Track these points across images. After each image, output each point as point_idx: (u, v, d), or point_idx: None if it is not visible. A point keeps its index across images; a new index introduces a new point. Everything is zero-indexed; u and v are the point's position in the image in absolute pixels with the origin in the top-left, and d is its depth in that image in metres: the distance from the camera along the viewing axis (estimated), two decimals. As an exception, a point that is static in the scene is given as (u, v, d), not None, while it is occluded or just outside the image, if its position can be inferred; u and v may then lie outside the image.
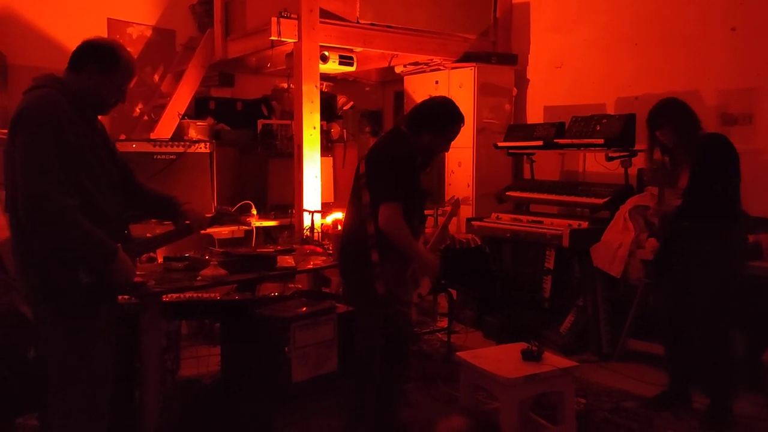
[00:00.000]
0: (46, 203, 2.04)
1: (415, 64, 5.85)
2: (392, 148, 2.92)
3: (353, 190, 2.99)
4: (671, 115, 3.29)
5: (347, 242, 3.00)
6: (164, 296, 3.10)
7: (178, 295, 3.35)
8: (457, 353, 3.04)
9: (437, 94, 5.58)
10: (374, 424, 2.99)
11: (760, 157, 4.23)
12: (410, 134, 2.90)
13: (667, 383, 3.53)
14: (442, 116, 2.91)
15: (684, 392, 3.48)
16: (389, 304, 2.82)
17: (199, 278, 3.10)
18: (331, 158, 5.54)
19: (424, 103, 3.04)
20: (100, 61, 2.23)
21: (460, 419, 1.25)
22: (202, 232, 2.82)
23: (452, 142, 3.01)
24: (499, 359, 2.88)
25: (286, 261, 3.52)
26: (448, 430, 1.23)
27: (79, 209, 2.10)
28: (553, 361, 2.88)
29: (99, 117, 2.38)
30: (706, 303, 3.25)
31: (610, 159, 4.51)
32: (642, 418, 3.33)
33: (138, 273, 2.61)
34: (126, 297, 2.94)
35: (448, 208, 3.35)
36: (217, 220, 2.93)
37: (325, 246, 4.03)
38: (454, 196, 3.46)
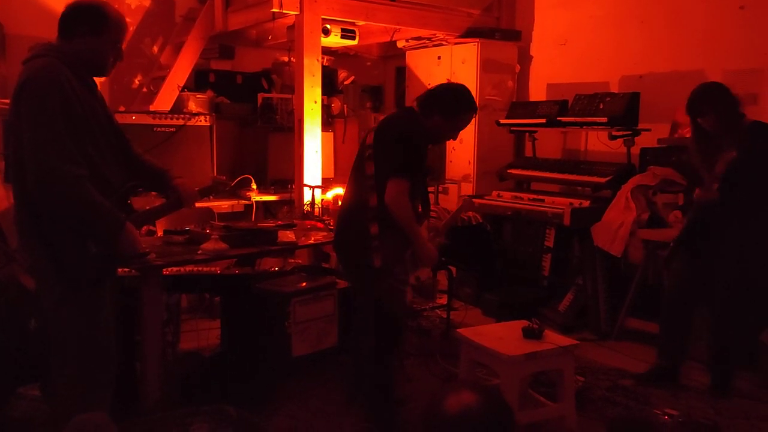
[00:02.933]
0: (57, 174, 2.03)
1: (418, 38, 5.78)
2: (406, 124, 2.89)
3: (357, 161, 2.96)
4: (715, 102, 3.23)
5: (348, 214, 2.97)
6: (165, 269, 3.09)
7: (178, 268, 3.34)
8: (458, 330, 3.04)
9: (440, 70, 5.59)
10: (372, 397, 3.01)
11: (764, 138, 4.20)
12: (422, 115, 2.88)
13: (658, 359, 3.58)
14: (455, 101, 2.89)
15: (674, 368, 3.53)
16: (384, 278, 2.79)
17: (199, 252, 3.09)
18: (332, 133, 5.50)
19: (440, 85, 3.03)
20: (90, 23, 2.21)
21: (469, 394, 1.25)
22: (197, 204, 2.79)
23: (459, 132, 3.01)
24: (500, 336, 2.89)
25: (287, 236, 3.52)
26: (458, 405, 1.22)
27: (88, 179, 2.08)
28: (554, 339, 2.89)
29: (98, 84, 2.36)
30: (736, 285, 3.30)
31: (613, 138, 4.49)
32: (639, 396, 3.36)
33: (140, 245, 2.60)
34: (126, 269, 2.93)
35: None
36: (212, 189, 2.90)
37: (326, 221, 4.02)
38: (467, 197, 3.48)
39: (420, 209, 2.95)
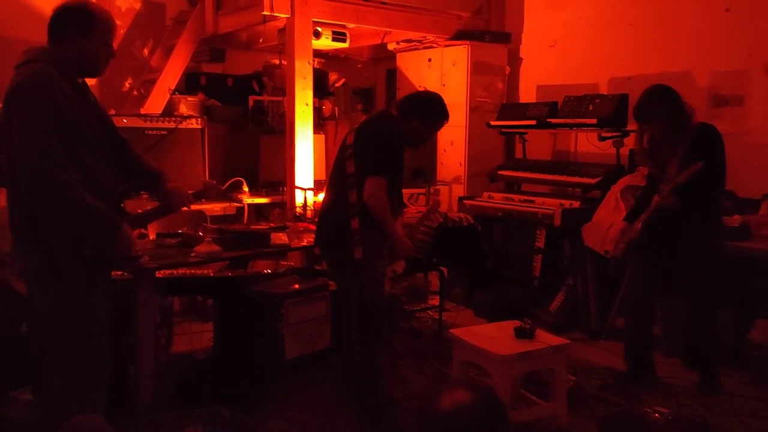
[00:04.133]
0: (48, 181, 2.03)
1: (408, 41, 5.81)
2: (386, 126, 3.02)
3: (337, 160, 3.08)
4: (658, 110, 3.28)
5: (328, 212, 3.09)
6: (158, 272, 3.10)
7: (171, 271, 3.34)
8: (451, 330, 3.07)
9: (430, 72, 5.62)
10: (364, 397, 3.03)
11: (750, 138, 4.26)
12: (400, 118, 3.02)
13: (633, 359, 3.61)
14: (433, 110, 3.08)
15: (650, 365, 3.59)
16: (365, 270, 2.90)
17: (193, 254, 3.10)
18: (323, 135, 5.51)
19: (418, 93, 3.29)
20: (78, 24, 2.21)
21: (463, 392, 1.27)
22: (190, 208, 2.80)
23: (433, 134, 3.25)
24: (493, 336, 2.91)
25: (280, 238, 3.54)
26: (452, 403, 1.24)
27: (81, 184, 2.08)
28: (546, 338, 2.92)
29: (92, 88, 2.36)
30: (693, 283, 3.39)
31: (602, 139, 4.53)
32: (630, 395, 3.39)
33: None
34: (119, 273, 2.93)
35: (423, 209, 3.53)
36: (203, 193, 2.92)
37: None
38: (437, 200, 3.65)
39: (396, 205, 3.04)
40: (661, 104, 3.29)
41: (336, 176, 3.04)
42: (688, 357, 3.62)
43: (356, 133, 3.01)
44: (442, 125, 3.16)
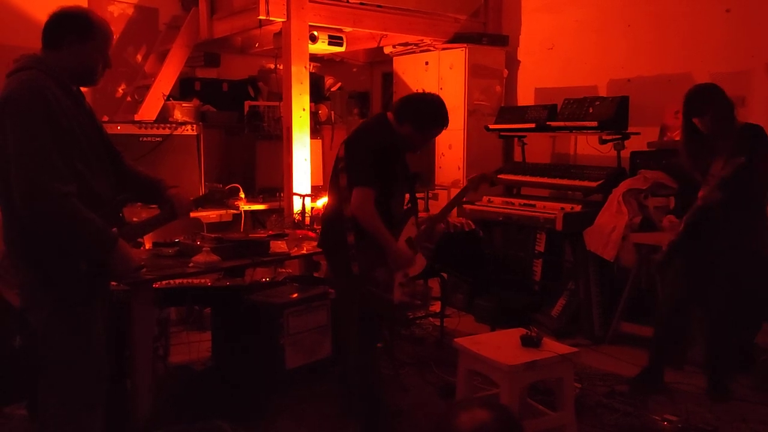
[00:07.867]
0: (44, 192, 1.96)
1: (405, 44, 5.76)
2: (372, 134, 2.92)
3: (333, 172, 3.00)
4: (714, 103, 3.19)
5: (327, 224, 3.03)
6: (155, 283, 3.02)
7: (167, 281, 3.27)
8: (456, 339, 3.00)
9: (427, 76, 5.57)
10: (363, 407, 2.97)
11: (753, 140, 4.21)
12: (395, 122, 2.91)
13: (648, 364, 3.55)
14: (426, 114, 2.93)
15: (661, 372, 3.53)
16: (363, 284, 2.81)
17: (191, 264, 3.03)
18: (320, 140, 5.45)
19: (415, 95, 3.10)
20: (77, 31, 2.15)
21: (483, 412, 1.21)
22: (191, 215, 2.74)
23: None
24: (499, 345, 2.85)
25: (279, 246, 3.47)
26: (473, 423, 1.18)
27: (76, 196, 2.02)
28: (553, 347, 2.85)
29: (85, 94, 2.30)
30: (731, 287, 3.30)
31: (603, 142, 4.48)
32: (637, 402, 3.33)
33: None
34: (115, 283, 2.86)
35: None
36: (209, 198, 2.86)
37: (317, 230, 3.97)
38: (482, 175, 3.46)
39: (399, 211, 3.00)
40: (717, 97, 3.20)
41: (332, 188, 2.96)
42: (710, 364, 3.51)
43: (346, 144, 2.92)
44: (437, 132, 2.99)
